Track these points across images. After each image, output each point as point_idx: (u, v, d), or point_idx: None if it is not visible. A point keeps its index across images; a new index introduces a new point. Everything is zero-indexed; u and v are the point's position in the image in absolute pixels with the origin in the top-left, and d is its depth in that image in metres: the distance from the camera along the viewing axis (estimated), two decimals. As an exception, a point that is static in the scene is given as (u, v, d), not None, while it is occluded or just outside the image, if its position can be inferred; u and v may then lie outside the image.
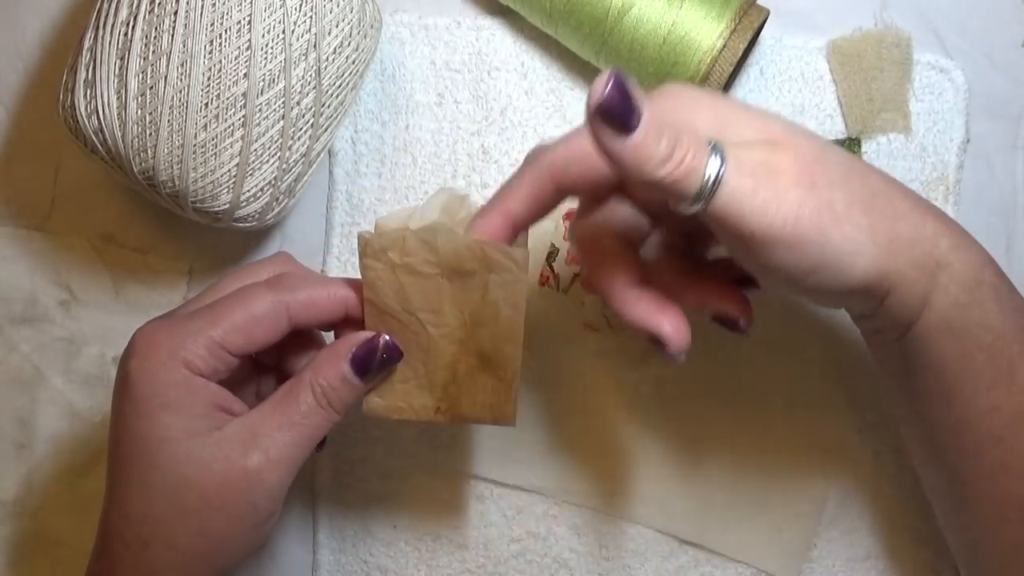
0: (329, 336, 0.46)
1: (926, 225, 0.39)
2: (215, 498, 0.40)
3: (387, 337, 0.42)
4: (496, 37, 0.55)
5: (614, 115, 0.33)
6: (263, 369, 0.48)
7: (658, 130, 0.34)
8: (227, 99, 0.46)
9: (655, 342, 0.39)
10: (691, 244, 0.44)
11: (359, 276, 0.43)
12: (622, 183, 0.40)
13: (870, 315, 0.41)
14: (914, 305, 0.39)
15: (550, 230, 0.53)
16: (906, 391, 0.44)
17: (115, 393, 0.41)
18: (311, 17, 0.46)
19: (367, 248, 0.41)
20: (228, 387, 0.43)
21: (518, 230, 0.41)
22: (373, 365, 0.42)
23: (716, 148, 0.35)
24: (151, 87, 0.45)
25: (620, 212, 0.41)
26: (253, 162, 0.47)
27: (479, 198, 0.54)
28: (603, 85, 0.33)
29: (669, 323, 0.39)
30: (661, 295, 0.40)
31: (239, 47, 0.45)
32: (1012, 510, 0.41)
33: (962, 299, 0.39)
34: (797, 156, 0.37)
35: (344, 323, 0.44)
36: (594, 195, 0.41)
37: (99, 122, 0.46)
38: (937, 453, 0.44)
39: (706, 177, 0.35)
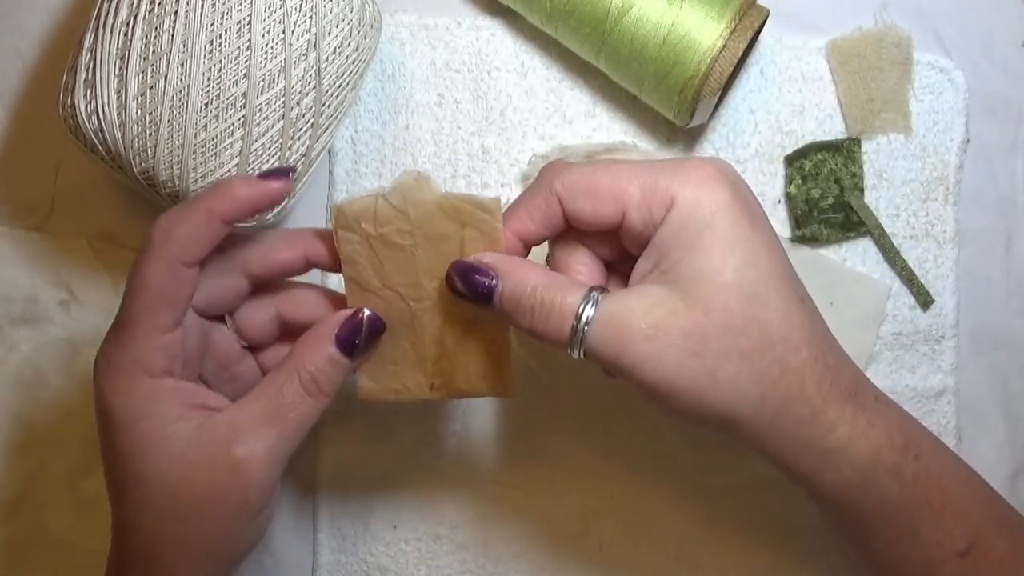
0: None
1: (826, 411, 0.39)
2: (207, 499, 0.40)
3: (368, 311, 0.42)
4: (496, 37, 0.55)
5: (467, 297, 0.40)
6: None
7: (513, 305, 0.40)
8: (227, 99, 0.46)
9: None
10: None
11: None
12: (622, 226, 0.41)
13: None
14: (799, 475, 0.40)
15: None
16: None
17: (96, 419, 0.41)
18: (311, 17, 0.46)
19: (340, 217, 0.41)
20: (219, 373, 0.43)
21: (531, 246, 0.42)
22: (360, 341, 0.42)
23: (591, 299, 0.39)
24: (151, 87, 0.45)
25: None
26: (253, 162, 0.47)
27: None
28: (452, 282, 0.40)
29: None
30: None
31: (239, 47, 0.45)
32: None
33: (854, 480, 0.40)
34: (704, 318, 0.38)
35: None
36: (596, 230, 0.42)
37: (99, 122, 0.46)
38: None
39: (571, 334, 0.39)
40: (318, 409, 0.41)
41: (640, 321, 0.38)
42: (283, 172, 0.42)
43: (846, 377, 0.40)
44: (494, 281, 0.40)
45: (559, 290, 0.39)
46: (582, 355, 0.39)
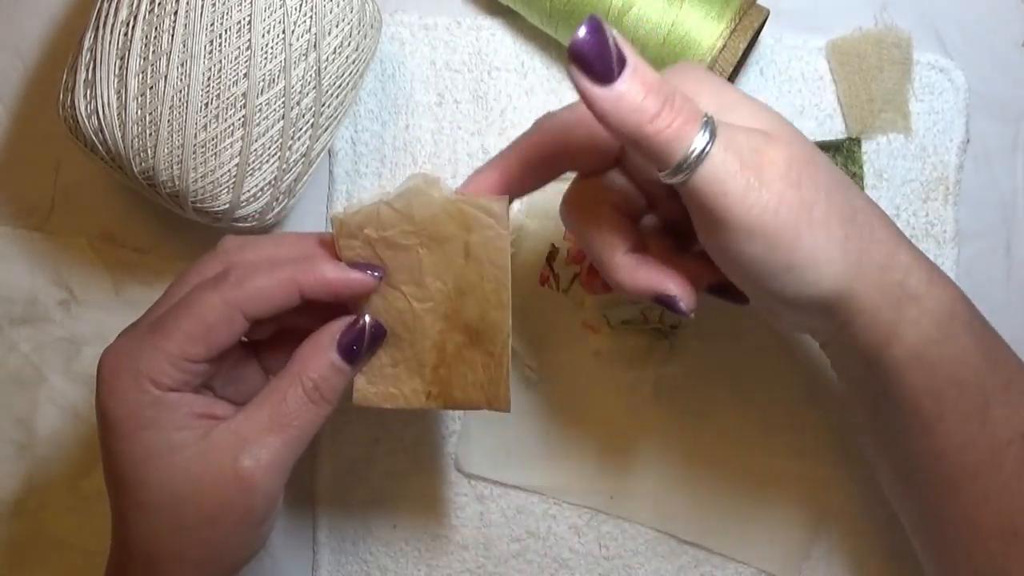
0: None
1: (899, 255, 0.38)
2: (212, 510, 0.40)
3: (368, 317, 0.42)
4: (496, 37, 0.55)
5: (591, 60, 0.33)
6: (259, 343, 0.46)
7: (645, 84, 0.34)
8: (227, 99, 0.46)
9: (663, 303, 0.39)
10: (679, 238, 0.43)
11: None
12: (622, 157, 0.40)
13: (835, 342, 0.41)
14: (880, 334, 0.38)
15: (550, 229, 0.53)
16: (878, 421, 0.42)
17: (97, 422, 0.41)
18: (311, 17, 0.46)
19: (342, 228, 0.41)
20: (223, 375, 0.43)
21: (512, 190, 0.40)
22: (361, 348, 0.41)
23: (708, 122, 0.35)
24: (151, 87, 0.45)
25: (619, 184, 0.41)
26: (253, 162, 0.47)
27: (479, 198, 0.54)
28: (580, 30, 0.33)
29: (674, 282, 0.39)
30: (660, 260, 0.40)
31: (239, 47, 0.45)
32: (992, 540, 0.40)
33: (934, 334, 0.38)
34: (790, 153, 0.36)
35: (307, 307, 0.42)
36: (593, 167, 0.40)
37: (99, 122, 0.46)
38: (911, 484, 0.42)
39: (692, 147, 0.34)
40: (321, 416, 0.41)
41: (748, 148, 0.35)
42: (372, 267, 0.41)
43: (898, 229, 0.39)
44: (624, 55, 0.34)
45: (686, 96, 0.35)
46: (686, 180, 0.35)
